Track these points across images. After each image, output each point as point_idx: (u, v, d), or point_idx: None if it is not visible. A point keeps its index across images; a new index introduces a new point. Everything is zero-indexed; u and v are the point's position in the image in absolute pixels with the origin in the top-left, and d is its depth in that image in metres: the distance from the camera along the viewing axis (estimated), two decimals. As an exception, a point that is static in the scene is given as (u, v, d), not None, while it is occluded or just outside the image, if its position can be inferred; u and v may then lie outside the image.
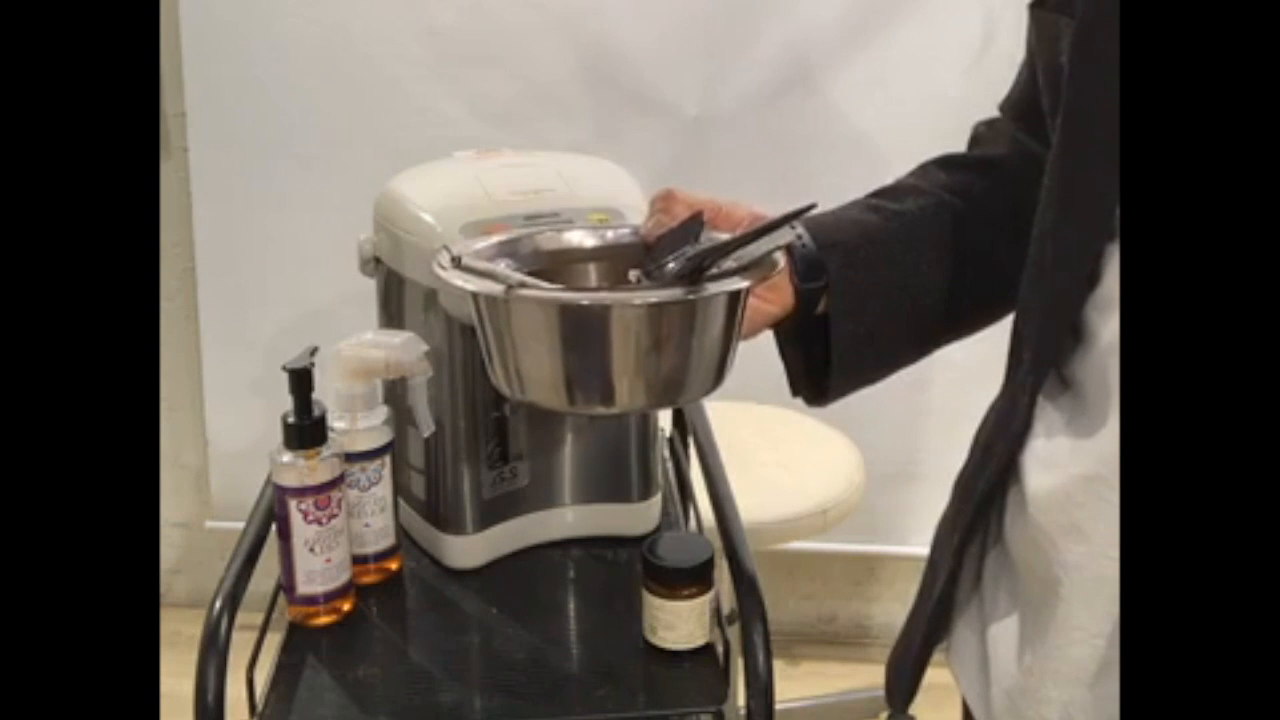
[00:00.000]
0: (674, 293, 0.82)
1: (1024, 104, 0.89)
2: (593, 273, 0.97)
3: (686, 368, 0.84)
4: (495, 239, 0.94)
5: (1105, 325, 0.74)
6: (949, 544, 0.88)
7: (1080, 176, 0.76)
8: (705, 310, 0.83)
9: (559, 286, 0.85)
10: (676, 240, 0.87)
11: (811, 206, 0.83)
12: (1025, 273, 0.81)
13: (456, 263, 0.87)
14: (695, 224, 0.87)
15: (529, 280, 0.83)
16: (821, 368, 0.93)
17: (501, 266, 0.87)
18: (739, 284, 0.83)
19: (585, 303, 0.83)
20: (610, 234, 0.97)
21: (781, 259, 0.87)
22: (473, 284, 0.84)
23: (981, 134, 0.98)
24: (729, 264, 0.84)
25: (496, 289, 0.82)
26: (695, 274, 0.83)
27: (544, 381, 0.84)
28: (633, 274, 0.89)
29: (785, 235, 0.88)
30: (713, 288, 0.82)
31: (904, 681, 0.93)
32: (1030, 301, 0.81)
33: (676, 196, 0.91)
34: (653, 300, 0.82)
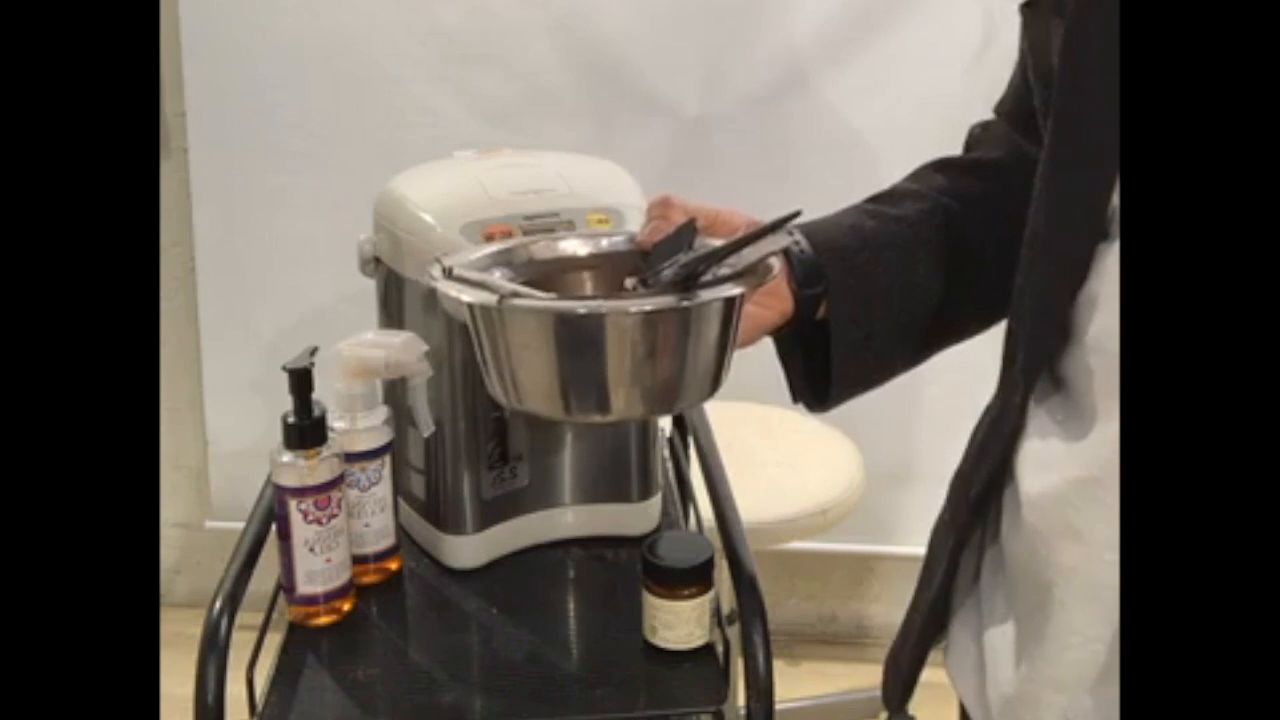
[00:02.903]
0: (667, 300, 0.82)
1: (1018, 106, 0.89)
2: (588, 281, 0.97)
3: (682, 375, 0.84)
4: (490, 249, 0.94)
5: (1090, 323, 0.74)
6: (945, 545, 0.88)
7: (1070, 176, 0.76)
8: (699, 317, 0.83)
9: (552, 295, 0.85)
10: (671, 247, 0.87)
11: (797, 214, 0.83)
12: (1018, 273, 0.82)
13: (448, 274, 0.86)
14: (688, 231, 0.86)
15: (522, 290, 0.83)
16: (822, 374, 0.93)
17: (496, 276, 0.87)
18: (733, 291, 0.83)
19: (580, 311, 0.82)
20: (605, 242, 0.97)
21: (776, 265, 0.87)
22: (467, 294, 0.84)
23: (977, 136, 0.98)
24: (724, 271, 0.84)
25: (490, 299, 0.82)
26: (689, 281, 0.83)
27: (539, 391, 0.84)
28: (629, 281, 0.89)
29: (780, 240, 0.88)
30: (706, 295, 0.82)
31: (899, 680, 0.93)
32: (1022, 302, 0.81)
33: (673, 203, 0.91)
34: (647, 308, 0.81)
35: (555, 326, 0.82)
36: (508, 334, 0.83)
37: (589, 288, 0.96)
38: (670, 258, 0.85)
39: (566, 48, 1.99)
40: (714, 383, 0.86)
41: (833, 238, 0.91)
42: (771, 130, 2.00)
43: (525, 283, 0.86)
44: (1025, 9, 0.82)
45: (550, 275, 0.92)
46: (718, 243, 0.85)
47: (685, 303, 0.81)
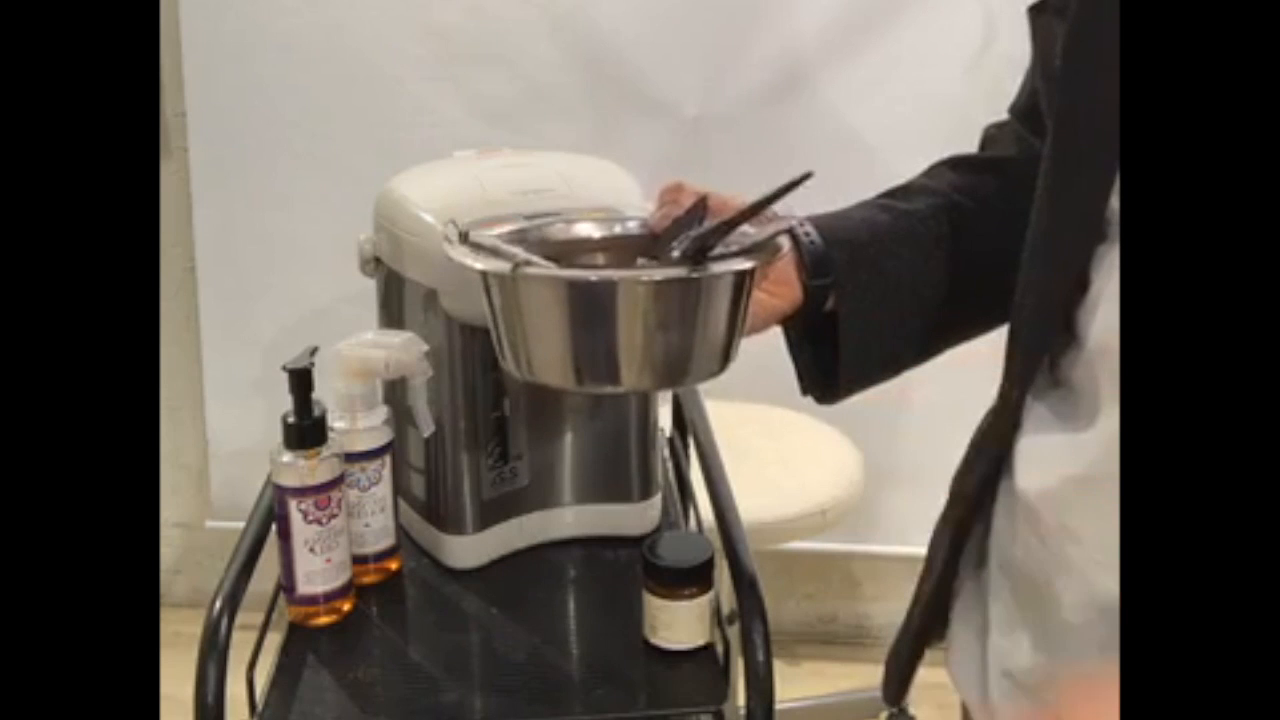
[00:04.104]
0: (678, 271, 0.83)
1: (1029, 107, 0.89)
2: (601, 262, 0.97)
3: (691, 347, 0.84)
4: (505, 229, 0.94)
5: (1092, 326, 0.74)
6: (944, 543, 0.88)
7: (1071, 178, 0.76)
8: (710, 289, 0.84)
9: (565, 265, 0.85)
10: (681, 227, 0.88)
11: (808, 175, 0.82)
12: (1020, 273, 0.82)
13: (465, 239, 0.87)
14: (699, 210, 0.88)
15: (536, 259, 0.84)
16: (831, 366, 0.93)
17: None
18: (743, 264, 0.84)
19: (592, 280, 0.83)
20: (618, 226, 0.97)
21: (785, 243, 0.87)
22: (481, 262, 0.84)
23: (992, 135, 0.98)
24: (733, 247, 0.85)
25: (504, 267, 0.83)
26: (699, 255, 0.84)
27: (552, 361, 0.85)
28: (639, 261, 0.89)
29: (787, 220, 0.88)
30: (717, 267, 0.83)
31: (897, 677, 0.93)
32: (1023, 301, 0.81)
33: (685, 188, 0.92)
34: (658, 278, 0.82)
35: (568, 295, 0.83)
36: (521, 302, 0.84)
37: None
38: (681, 235, 0.86)
39: (566, 47, 1.99)
40: (724, 358, 0.87)
41: (843, 230, 0.92)
42: (771, 130, 2.00)
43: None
44: (1032, 12, 0.83)
45: (563, 256, 0.93)
46: (723, 219, 0.85)
47: (695, 274, 0.82)
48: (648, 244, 0.92)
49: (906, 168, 0.99)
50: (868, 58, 1.96)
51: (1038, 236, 0.79)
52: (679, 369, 0.86)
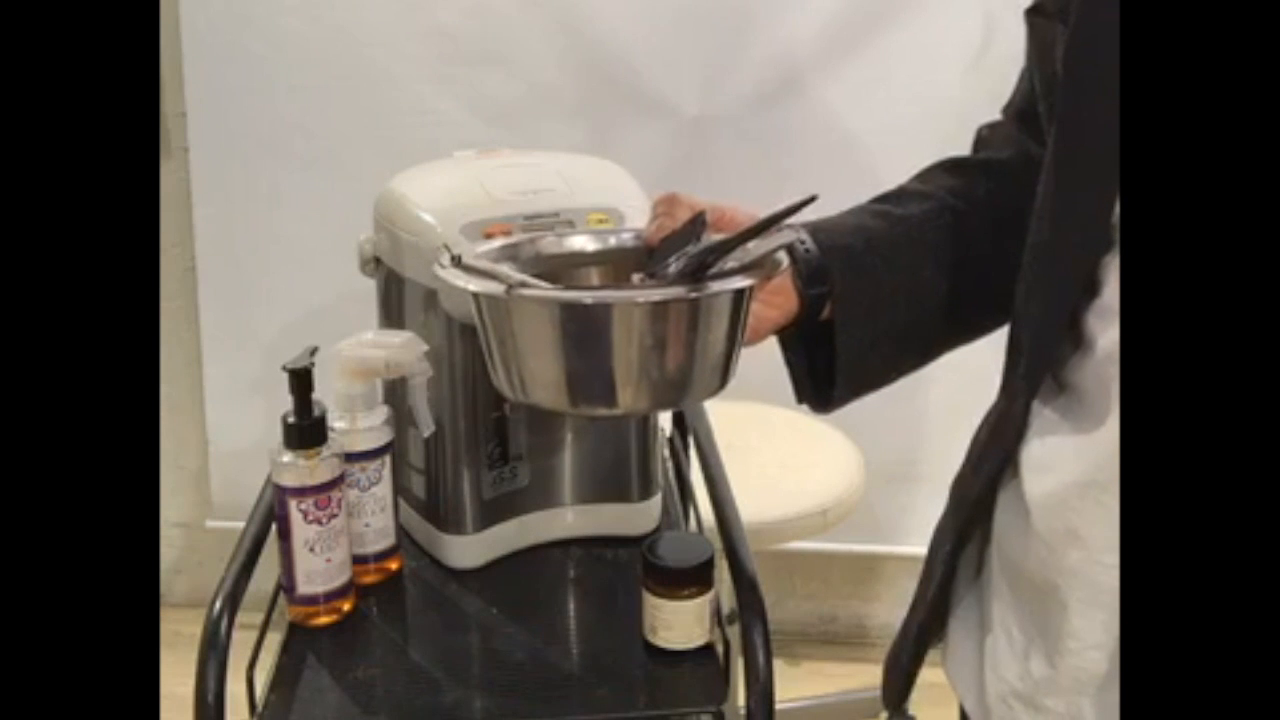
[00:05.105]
0: (677, 291, 0.81)
1: (1025, 108, 0.89)
2: (595, 276, 0.96)
3: (690, 368, 0.83)
4: (497, 243, 0.93)
5: (1104, 333, 0.74)
6: (944, 546, 0.88)
7: (1074, 186, 0.76)
8: (708, 309, 0.82)
9: (560, 286, 0.85)
10: (679, 242, 0.87)
11: (813, 198, 0.82)
12: (1020, 279, 0.81)
13: (457, 262, 0.86)
14: (698, 225, 0.86)
15: (530, 280, 0.83)
16: (826, 374, 0.93)
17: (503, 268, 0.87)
18: (742, 282, 0.83)
19: (587, 301, 0.82)
20: (613, 239, 0.97)
21: (784, 259, 0.86)
22: (474, 284, 0.84)
23: (985, 136, 0.97)
24: (731, 264, 0.84)
25: (498, 288, 0.82)
26: (698, 273, 0.83)
27: (546, 383, 0.84)
28: (635, 277, 0.88)
29: (787, 235, 0.87)
30: (716, 286, 0.82)
31: (898, 679, 0.93)
32: (1026, 308, 0.81)
33: (679, 199, 0.91)
34: (655, 299, 0.81)
35: (562, 317, 0.81)
36: (514, 324, 0.83)
37: (595, 283, 0.96)
38: (678, 251, 0.85)
39: (566, 48, 1.99)
40: (722, 377, 0.86)
41: (838, 238, 0.91)
42: (771, 131, 2.00)
43: (532, 277, 0.86)
44: (1029, 14, 0.82)
45: (556, 271, 0.92)
46: (723, 237, 0.85)
47: (694, 294, 0.81)
48: (641, 257, 0.91)
49: (906, 168, 0.99)
50: (868, 58, 1.96)
51: (1041, 244, 0.79)
52: (677, 390, 0.84)
